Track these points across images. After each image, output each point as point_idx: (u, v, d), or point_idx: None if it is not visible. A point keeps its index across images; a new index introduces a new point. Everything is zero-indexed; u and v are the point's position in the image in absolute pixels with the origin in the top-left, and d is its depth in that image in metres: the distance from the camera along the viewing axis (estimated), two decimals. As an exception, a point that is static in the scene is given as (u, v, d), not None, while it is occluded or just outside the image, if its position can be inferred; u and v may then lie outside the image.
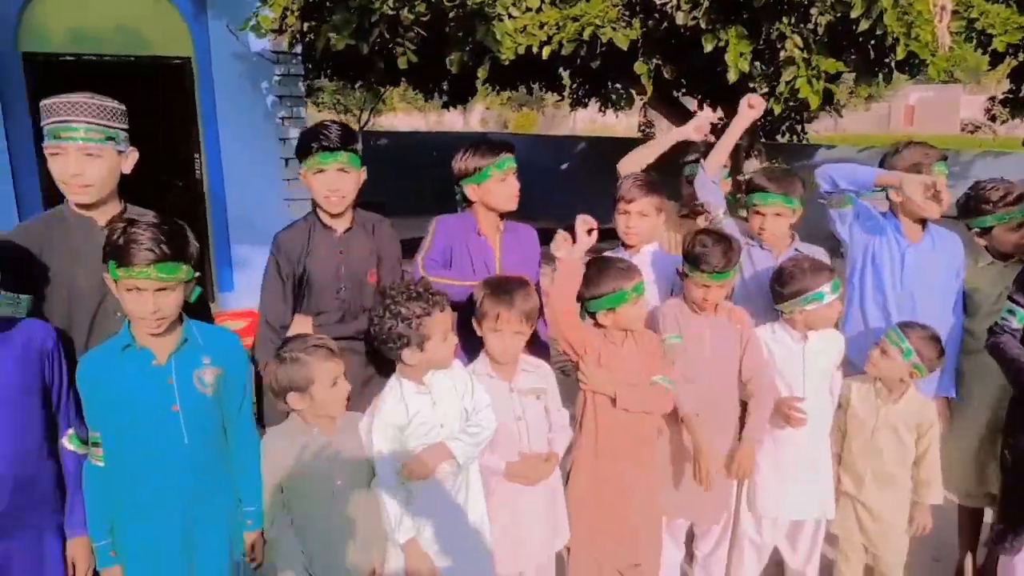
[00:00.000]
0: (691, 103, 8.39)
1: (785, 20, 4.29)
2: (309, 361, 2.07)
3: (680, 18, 4.33)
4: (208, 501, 2.06)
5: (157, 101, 7.00)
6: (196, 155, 7.08)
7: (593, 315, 2.49)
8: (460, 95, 9.85)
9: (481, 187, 2.60)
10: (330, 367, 2.10)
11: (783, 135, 9.69)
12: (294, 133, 7.36)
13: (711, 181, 2.93)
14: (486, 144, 2.64)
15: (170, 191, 7.21)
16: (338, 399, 2.14)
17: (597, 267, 2.49)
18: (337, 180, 2.45)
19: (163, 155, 7.39)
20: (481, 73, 4.61)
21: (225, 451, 2.10)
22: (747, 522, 2.88)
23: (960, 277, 2.85)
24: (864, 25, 3.95)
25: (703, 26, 4.35)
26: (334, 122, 2.52)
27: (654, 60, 4.75)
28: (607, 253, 2.77)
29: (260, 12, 5.64)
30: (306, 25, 5.41)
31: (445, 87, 9.24)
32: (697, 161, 3.16)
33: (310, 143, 2.44)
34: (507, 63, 4.45)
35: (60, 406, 1.97)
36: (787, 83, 4.39)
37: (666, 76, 4.86)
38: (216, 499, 2.08)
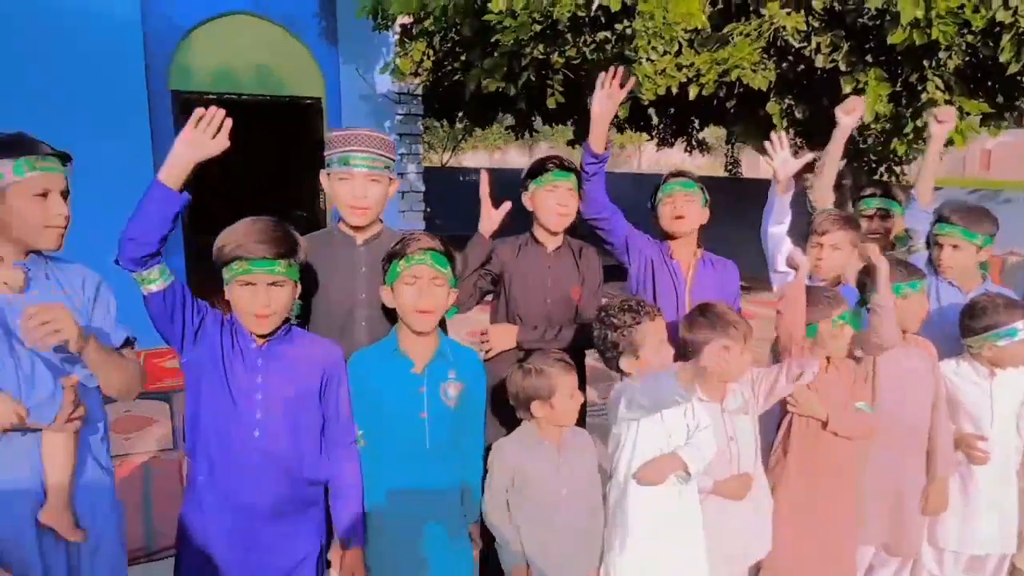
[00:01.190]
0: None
1: (925, 63, 4.38)
2: (552, 373, 2.23)
3: (820, 60, 4.47)
4: (439, 503, 2.22)
5: (290, 137, 7.49)
6: (321, 188, 7.45)
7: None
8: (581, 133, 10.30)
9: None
10: (569, 380, 2.26)
11: (880, 175, 9.62)
12: (412, 168, 7.73)
13: (923, 211, 3.04)
14: None
15: (295, 221, 7.59)
16: (574, 409, 2.29)
17: (808, 295, 2.59)
18: (567, 196, 2.63)
19: (293, 188, 7.88)
20: (621, 112, 4.82)
21: (455, 460, 2.26)
22: (927, 555, 2.91)
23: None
24: (1014, 68, 4.02)
25: (842, 68, 4.48)
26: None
27: (787, 100, 4.89)
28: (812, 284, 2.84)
29: (399, 57, 6.01)
30: (441, 69, 5.75)
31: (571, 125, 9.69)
32: (874, 196, 3.25)
33: (544, 165, 2.64)
34: (645, 103, 4.65)
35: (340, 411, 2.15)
36: (924, 124, 4.50)
37: (798, 116, 4.98)
38: (446, 501, 2.24)
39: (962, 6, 3.95)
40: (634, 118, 6.89)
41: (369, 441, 2.17)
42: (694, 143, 11.46)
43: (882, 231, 3.20)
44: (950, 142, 4.40)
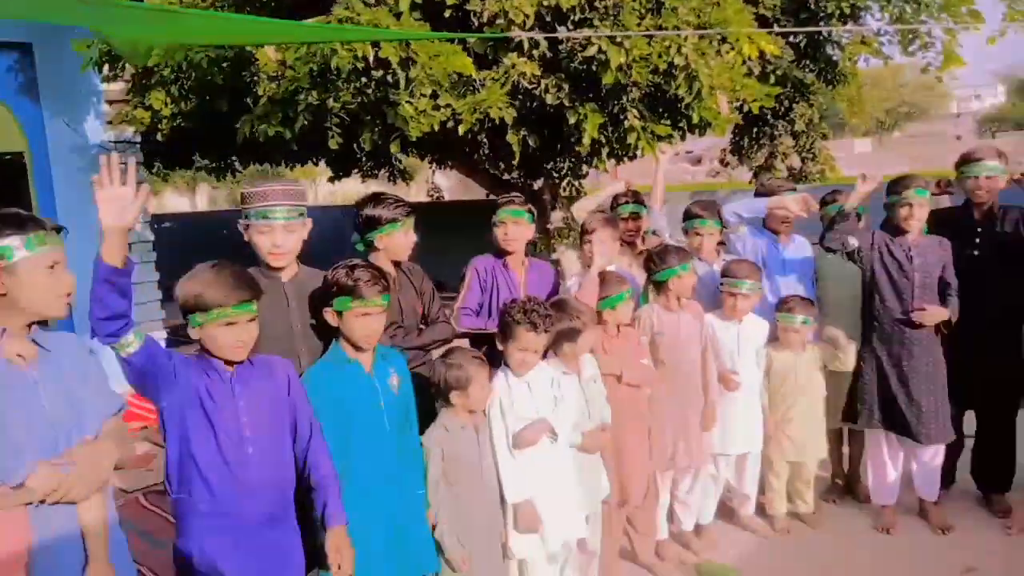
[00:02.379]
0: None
1: (624, 97, 5.58)
2: (469, 368, 2.72)
3: (549, 99, 5.44)
4: (405, 479, 2.61)
5: (-10, 197, 6.67)
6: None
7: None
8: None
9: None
10: (483, 373, 2.76)
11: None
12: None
13: (658, 214, 4.04)
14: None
15: None
16: (486, 397, 2.79)
17: (601, 279, 3.38)
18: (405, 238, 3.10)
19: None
20: (394, 148, 5.33)
21: (407, 440, 2.65)
22: (708, 463, 3.89)
23: (812, 263, 4.17)
24: (688, 98, 5.34)
25: (566, 104, 5.50)
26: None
27: (522, 131, 5.82)
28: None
29: (134, 111, 5.83)
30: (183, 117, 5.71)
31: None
32: (627, 202, 4.18)
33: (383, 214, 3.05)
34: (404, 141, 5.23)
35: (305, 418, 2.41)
36: (631, 144, 5.72)
37: (531, 144, 5.94)
38: (408, 476, 2.63)
39: (650, 54, 5.16)
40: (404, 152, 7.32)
41: (335, 436, 2.46)
42: (396, 173, 12.16)
43: (635, 229, 4.16)
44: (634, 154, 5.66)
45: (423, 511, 2.71)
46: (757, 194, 4.31)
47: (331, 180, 11.01)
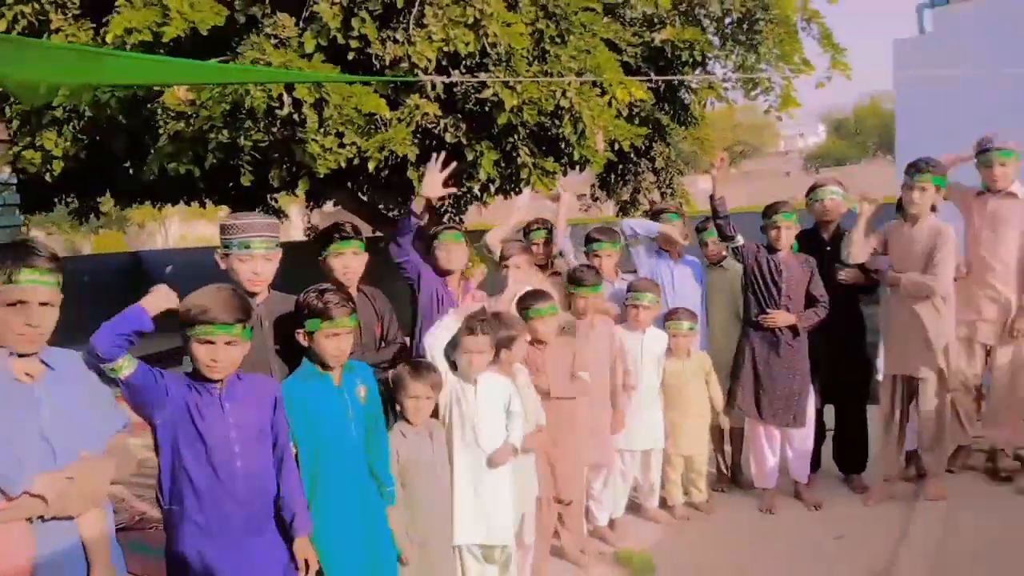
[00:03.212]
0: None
1: (516, 136, 6.07)
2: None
3: (448, 137, 5.83)
4: (371, 483, 2.84)
5: None
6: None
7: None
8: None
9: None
10: (418, 385, 3.05)
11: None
12: (13, 264, 7.02)
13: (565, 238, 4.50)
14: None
15: None
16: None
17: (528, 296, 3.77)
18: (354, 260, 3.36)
19: None
20: (303, 185, 5.51)
21: (372, 447, 2.89)
22: (617, 461, 4.32)
23: (701, 279, 4.77)
24: (573, 137, 5.90)
25: (464, 142, 5.92)
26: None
27: (421, 168, 6.16)
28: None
29: (22, 151, 5.69)
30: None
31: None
32: (540, 228, 4.60)
33: (332, 234, 3.31)
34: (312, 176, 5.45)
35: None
36: (524, 179, 6.20)
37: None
38: (371, 484, 2.86)
39: (539, 97, 5.68)
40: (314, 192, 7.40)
41: (308, 444, 2.68)
42: (273, 211, 12.08)
43: (547, 253, 4.59)
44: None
45: (384, 515, 2.94)
46: (651, 216, 4.90)
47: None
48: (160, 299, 2.32)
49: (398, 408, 3.11)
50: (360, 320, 3.21)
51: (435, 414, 3.24)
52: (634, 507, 4.61)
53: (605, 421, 4.14)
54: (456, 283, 3.85)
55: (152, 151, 5.24)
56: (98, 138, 5.71)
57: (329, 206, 13.70)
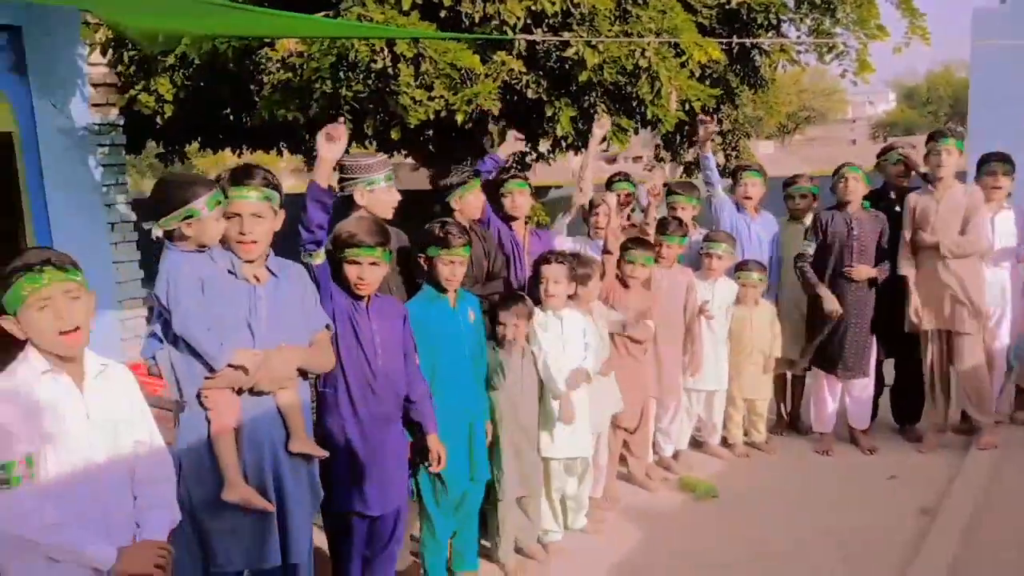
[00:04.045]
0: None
1: (594, 94, 6.33)
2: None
3: (530, 93, 6.13)
4: (476, 394, 3.27)
5: (-22, 175, 6.82)
6: (21, 226, 6.96)
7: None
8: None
9: None
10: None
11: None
12: (120, 199, 7.59)
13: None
14: None
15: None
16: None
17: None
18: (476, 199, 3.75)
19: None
20: (394, 134, 5.89)
21: (479, 357, 3.31)
22: (684, 398, 4.66)
23: (777, 235, 5.03)
24: (648, 97, 6.13)
25: (544, 99, 6.21)
26: None
27: (501, 123, 6.49)
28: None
29: (140, 92, 6.18)
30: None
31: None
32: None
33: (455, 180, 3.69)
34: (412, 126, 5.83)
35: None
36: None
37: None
38: (478, 391, 3.29)
39: (619, 56, 5.92)
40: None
41: (426, 355, 3.09)
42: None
43: (627, 203, 4.88)
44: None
45: (486, 419, 3.36)
46: (733, 173, 5.20)
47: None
48: (323, 164, 2.66)
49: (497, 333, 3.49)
50: (471, 255, 3.59)
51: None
52: (696, 444, 4.96)
53: (675, 361, 4.47)
54: (521, 228, 4.18)
55: (258, 99, 5.67)
56: (202, 84, 6.15)
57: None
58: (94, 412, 1.94)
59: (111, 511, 1.94)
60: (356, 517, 2.89)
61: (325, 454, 2.61)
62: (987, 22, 7.77)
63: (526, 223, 4.25)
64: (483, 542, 3.61)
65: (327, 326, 2.67)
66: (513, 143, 3.98)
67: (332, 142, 2.66)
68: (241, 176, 2.46)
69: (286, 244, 2.70)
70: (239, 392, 2.42)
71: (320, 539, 3.00)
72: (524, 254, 4.13)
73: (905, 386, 5.10)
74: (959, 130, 4.62)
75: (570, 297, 3.76)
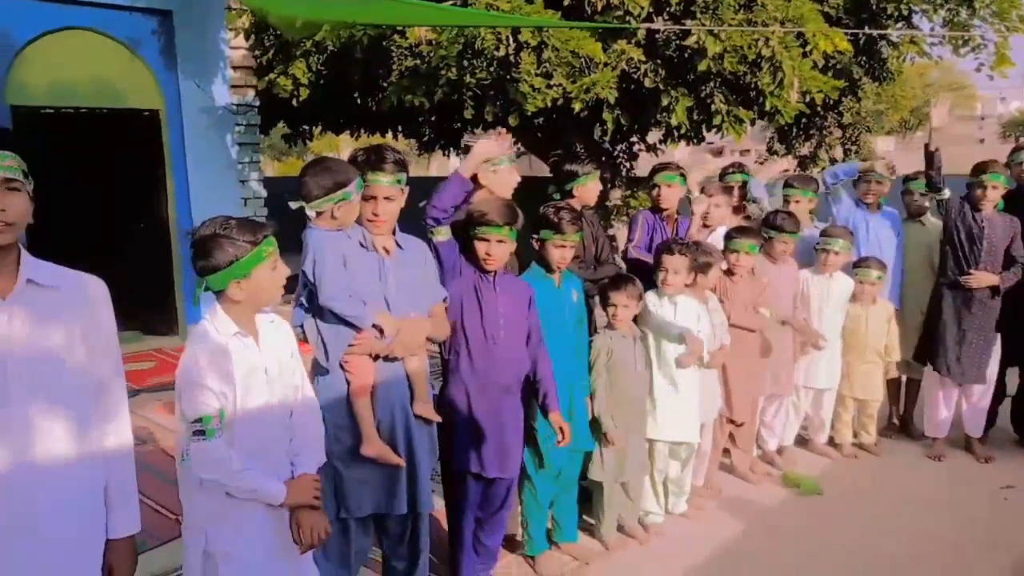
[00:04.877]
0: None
1: (712, 83, 6.30)
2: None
3: (647, 82, 6.16)
4: (578, 370, 3.43)
5: (130, 149, 7.44)
6: (165, 198, 7.55)
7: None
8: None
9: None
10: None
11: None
12: (253, 176, 8.12)
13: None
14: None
15: (136, 231, 7.64)
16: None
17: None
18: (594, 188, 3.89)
19: (133, 198, 7.76)
20: (512, 121, 6.07)
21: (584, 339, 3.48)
22: (792, 393, 4.65)
23: (899, 232, 4.91)
24: (771, 88, 6.06)
25: (661, 87, 6.23)
26: None
27: (616, 111, 6.55)
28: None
29: (280, 75, 6.59)
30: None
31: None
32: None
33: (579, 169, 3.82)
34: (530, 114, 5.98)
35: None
36: (716, 126, 6.46)
37: (622, 122, 6.68)
38: (582, 366, 3.46)
39: (742, 45, 5.87)
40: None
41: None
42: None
43: (741, 196, 4.87)
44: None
45: (586, 395, 3.48)
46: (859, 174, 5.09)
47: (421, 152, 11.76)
48: (473, 160, 2.92)
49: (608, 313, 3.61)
50: (582, 240, 3.71)
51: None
52: (801, 442, 4.93)
53: (785, 355, 4.46)
54: (671, 218, 4.25)
55: (386, 84, 5.95)
56: (335, 69, 6.49)
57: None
58: (271, 367, 2.16)
59: (277, 452, 2.17)
60: (472, 479, 3.09)
61: (439, 419, 2.80)
62: None
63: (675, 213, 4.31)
64: (587, 518, 3.75)
65: (444, 298, 2.85)
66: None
67: (496, 144, 2.95)
68: (376, 160, 2.63)
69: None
70: (375, 359, 2.63)
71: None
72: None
73: (1028, 396, 4.90)
74: None
75: (688, 285, 3.83)
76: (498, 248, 2.96)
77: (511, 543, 3.58)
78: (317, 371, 2.65)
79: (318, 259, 2.55)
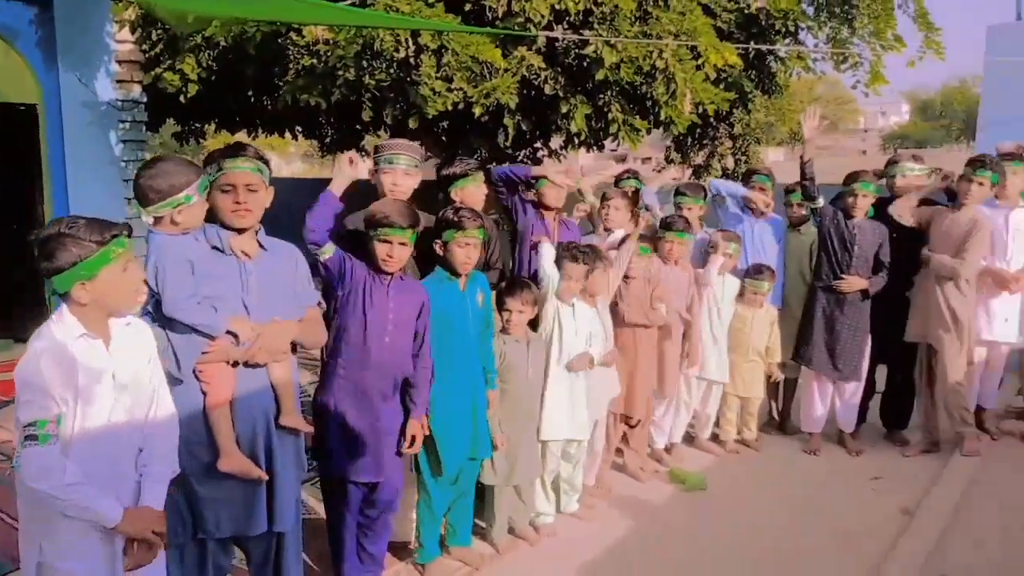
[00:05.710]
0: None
1: (609, 92, 6.47)
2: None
3: (547, 89, 6.27)
4: (481, 376, 3.41)
5: (2, 145, 6.98)
6: (41, 197, 7.13)
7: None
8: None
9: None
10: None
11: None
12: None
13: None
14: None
15: (10, 233, 7.18)
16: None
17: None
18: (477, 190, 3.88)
19: (6, 198, 7.27)
20: (412, 123, 6.04)
21: (487, 339, 3.46)
22: (683, 390, 4.82)
23: (781, 238, 5.16)
24: (664, 98, 6.27)
25: (561, 95, 6.35)
26: None
27: (516, 116, 6.63)
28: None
29: (166, 71, 6.33)
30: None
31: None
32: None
33: (457, 170, 3.82)
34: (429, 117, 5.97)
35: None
36: (612, 134, 6.63)
37: (523, 128, 6.76)
38: (482, 374, 3.44)
39: (637, 56, 6.05)
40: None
41: (434, 336, 3.21)
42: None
43: (632, 202, 5.01)
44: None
45: (486, 406, 3.51)
46: (744, 177, 5.34)
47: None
48: (341, 179, 2.90)
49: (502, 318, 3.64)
50: None
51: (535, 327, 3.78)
52: (687, 438, 5.12)
53: (673, 356, 4.62)
54: (553, 218, 4.32)
55: (281, 83, 5.82)
56: (226, 66, 6.29)
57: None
58: (120, 373, 2.07)
59: (124, 463, 2.08)
60: (351, 484, 3.06)
61: (311, 429, 2.73)
62: (1002, 38, 7.84)
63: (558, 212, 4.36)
64: (478, 521, 3.78)
65: (319, 303, 2.81)
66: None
67: (353, 167, 2.90)
68: (234, 150, 2.56)
69: (277, 228, 2.77)
70: (234, 365, 2.52)
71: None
72: (555, 239, 4.24)
73: (895, 392, 5.24)
74: (999, 164, 4.69)
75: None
76: (399, 250, 2.95)
77: (403, 550, 3.57)
78: (170, 382, 2.45)
79: (160, 266, 2.42)
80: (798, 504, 4.29)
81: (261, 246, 2.63)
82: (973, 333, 4.79)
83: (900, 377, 5.18)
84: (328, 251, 2.88)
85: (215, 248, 2.53)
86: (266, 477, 2.58)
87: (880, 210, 4.97)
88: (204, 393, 2.50)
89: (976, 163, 4.69)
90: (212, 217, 2.60)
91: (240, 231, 2.58)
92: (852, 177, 4.84)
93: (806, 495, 4.41)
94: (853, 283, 4.77)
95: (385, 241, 2.92)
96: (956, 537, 3.75)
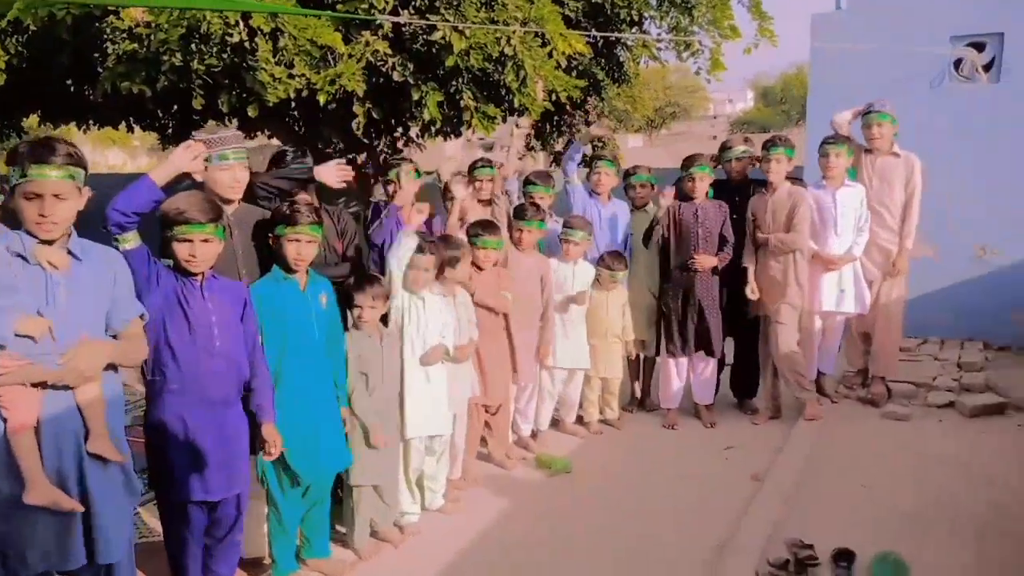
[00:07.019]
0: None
1: (460, 79, 6.37)
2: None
3: (396, 75, 6.08)
4: (329, 380, 3.22)
5: None
6: None
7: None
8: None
9: None
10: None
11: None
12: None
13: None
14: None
15: None
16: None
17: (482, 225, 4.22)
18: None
19: None
20: (251, 112, 5.68)
21: (330, 350, 3.26)
22: (545, 379, 4.82)
23: (627, 220, 5.26)
24: (515, 84, 6.23)
25: (411, 81, 6.18)
26: None
27: (367, 104, 6.40)
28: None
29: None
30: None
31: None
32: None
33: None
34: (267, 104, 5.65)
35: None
36: (467, 122, 6.52)
37: (375, 116, 6.54)
38: (328, 382, 3.24)
39: (486, 43, 5.97)
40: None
41: (273, 340, 3.03)
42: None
43: (490, 189, 4.97)
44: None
45: (341, 406, 3.34)
46: (588, 162, 5.39)
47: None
48: (170, 167, 2.70)
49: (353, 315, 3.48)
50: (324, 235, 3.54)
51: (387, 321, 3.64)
52: (553, 422, 5.13)
53: (529, 344, 4.60)
54: (407, 212, 4.18)
55: (101, 70, 5.32)
56: (38, 53, 5.71)
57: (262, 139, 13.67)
58: None
59: None
60: (193, 505, 2.82)
61: (122, 458, 2.45)
62: (825, 26, 8.34)
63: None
64: (338, 527, 3.61)
65: (141, 315, 2.55)
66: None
67: (196, 159, 2.75)
68: (42, 152, 2.23)
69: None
70: (40, 387, 2.27)
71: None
72: None
73: (743, 364, 5.48)
74: (788, 139, 5.07)
75: (438, 278, 3.80)
76: (203, 248, 2.70)
77: (257, 566, 3.35)
78: None
79: None
80: (656, 478, 4.39)
81: (73, 255, 2.34)
82: (807, 303, 5.06)
83: (747, 349, 5.42)
84: (130, 240, 2.60)
85: (20, 256, 2.24)
86: (80, 508, 2.32)
87: (718, 191, 5.16)
88: (3, 419, 2.22)
89: (768, 144, 5.04)
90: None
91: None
92: (688, 162, 5.05)
93: (665, 469, 4.53)
94: (704, 261, 4.93)
95: (185, 240, 2.67)
96: (801, 501, 3.93)
